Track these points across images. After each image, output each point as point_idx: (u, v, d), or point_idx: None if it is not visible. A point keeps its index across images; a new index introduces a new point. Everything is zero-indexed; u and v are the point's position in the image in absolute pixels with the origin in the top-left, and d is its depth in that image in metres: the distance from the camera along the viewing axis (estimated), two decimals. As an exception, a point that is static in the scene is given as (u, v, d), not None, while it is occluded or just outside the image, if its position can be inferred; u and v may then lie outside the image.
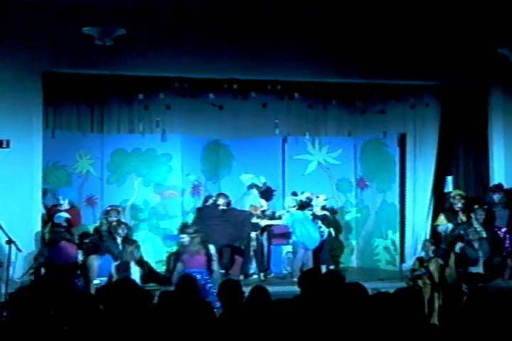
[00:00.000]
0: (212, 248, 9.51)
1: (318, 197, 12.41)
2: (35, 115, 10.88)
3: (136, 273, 9.56)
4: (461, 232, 10.86)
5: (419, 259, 10.04)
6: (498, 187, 11.78)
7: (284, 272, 12.15)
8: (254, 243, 11.86)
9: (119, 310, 5.49)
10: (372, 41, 11.59)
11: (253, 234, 11.86)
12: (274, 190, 13.01)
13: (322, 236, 11.99)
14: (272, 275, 12.05)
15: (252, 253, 11.89)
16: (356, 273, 11.90)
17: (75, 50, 10.67)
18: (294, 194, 12.33)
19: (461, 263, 10.34)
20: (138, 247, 10.01)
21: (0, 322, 6.05)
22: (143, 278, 9.58)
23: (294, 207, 11.92)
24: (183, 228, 9.95)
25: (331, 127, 13.60)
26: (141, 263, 9.78)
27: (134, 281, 6.70)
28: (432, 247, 10.11)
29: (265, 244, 12.12)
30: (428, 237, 12.53)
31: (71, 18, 10.32)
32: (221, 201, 11.86)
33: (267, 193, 12.84)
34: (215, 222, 11.52)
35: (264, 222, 12.00)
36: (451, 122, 12.95)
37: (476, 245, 10.49)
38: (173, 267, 10.15)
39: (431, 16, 11.11)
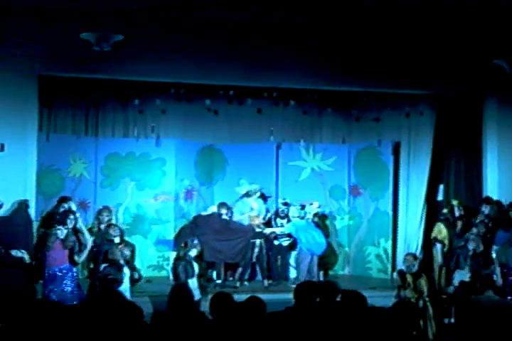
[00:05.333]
0: None
1: (311, 204, 12.46)
2: (30, 118, 10.87)
3: (127, 275, 9.52)
4: (469, 236, 10.92)
5: (400, 273, 10.12)
6: (487, 200, 11.84)
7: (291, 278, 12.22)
8: (257, 249, 11.87)
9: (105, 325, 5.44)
10: (368, 50, 11.59)
11: (257, 241, 11.88)
12: (268, 197, 13.00)
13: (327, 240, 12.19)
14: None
15: (254, 260, 11.93)
16: (348, 281, 11.90)
17: (72, 54, 10.62)
18: (303, 207, 12.41)
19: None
20: (129, 247, 9.97)
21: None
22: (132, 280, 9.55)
23: (298, 217, 12.05)
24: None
25: (326, 134, 13.60)
26: (130, 265, 9.73)
27: (121, 294, 6.61)
28: (415, 261, 10.18)
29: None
30: (420, 246, 12.59)
31: (69, 22, 10.27)
32: (224, 211, 11.88)
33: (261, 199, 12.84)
34: (221, 237, 11.57)
35: (268, 230, 12.05)
36: (445, 131, 12.98)
37: (469, 253, 10.60)
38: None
39: (427, 26, 11.12)
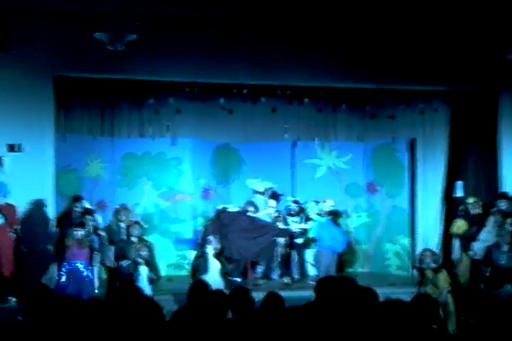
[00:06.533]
0: None
1: (325, 201, 12.49)
2: (47, 119, 10.89)
3: (144, 273, 9.64)
4: (473, 233, 10.83)
5: (420, 270, 10.09)
6: (504, 196, 11.78)
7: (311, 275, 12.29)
8: (280, 249, 11.90)
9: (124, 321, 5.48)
10: (382, 46, 11.63)
11: (282, 240, 11.90)
12: (280, 195, 13.03)
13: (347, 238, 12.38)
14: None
15: (278, 258, 11.96)
16: (367, 279, 11.88)
17: (87, 54, 10.70)
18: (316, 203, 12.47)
19: (485, 264, 10.43)
20: (147, 246, 10.06)
21: (15, 327, 6.08)
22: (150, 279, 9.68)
23: (318, 214, 12.14)
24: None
25: (341, 132, 13.57)
26: (148, 263, 9.82)
27: (140, 290, 6.70)
28: (434, 257, 10.15)
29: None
30: (439, 242, 12.55)
31: (83, 23, 10.37)
32: (251, 209, 11.96)
33: (273, 198, 12.89)
34: (248, 235, 11.63)
35: (294, 227, 12.15)
36: (460, 127, 12.94)
37: (504, 248, 10.49)
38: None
39: (441, 22, 11.13)
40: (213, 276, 9.56)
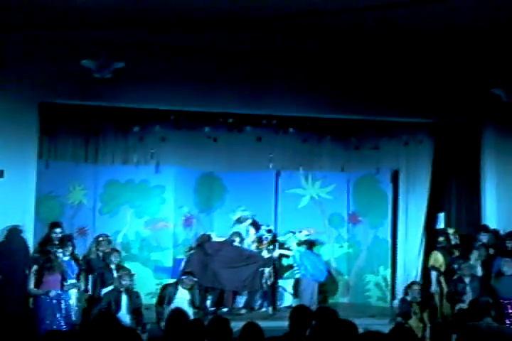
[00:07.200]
0: None
1: (300, 231, 12.50)
2: (30, 145, 10.86)
3: (124, 303, 9.57)
4: (455, 266, 10.88)
5: (405, 302, 10.05)
6: (485, 229, 11.81)
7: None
8: (264, 279, 11.81)
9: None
10: (367, 78, 11.71)
11: (266, 271, 11.84)
12: (260, 225, 12.97)
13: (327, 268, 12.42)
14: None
15: (264, 289, 11.92)
16: (347, 309, 11.85)
17: (72, 81, 10.71)
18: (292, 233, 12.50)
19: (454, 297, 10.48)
20: (130, 275, 9.97)
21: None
22: (131, 308, 9.57)
23: (297, 244, 12.16)
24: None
25: (325, 162, 13.62)
26: (129, 292, 9.72)
27: (116, 318, 6.64)
28: (420, 290, 10.13)
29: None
30: (419, 274, 12.53)
31: (70, 50, 10.40)
32: (237, 239, 11.94)
33: (253, 226, 12.87)
34: (233, 265, 11.62)
35: (276, 253, 12.12)
36: (444, 160, 13.01)
37: (466, 280, 10.52)
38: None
39: (426, 55, 11.24)
40: (179, 306, 9.46)
